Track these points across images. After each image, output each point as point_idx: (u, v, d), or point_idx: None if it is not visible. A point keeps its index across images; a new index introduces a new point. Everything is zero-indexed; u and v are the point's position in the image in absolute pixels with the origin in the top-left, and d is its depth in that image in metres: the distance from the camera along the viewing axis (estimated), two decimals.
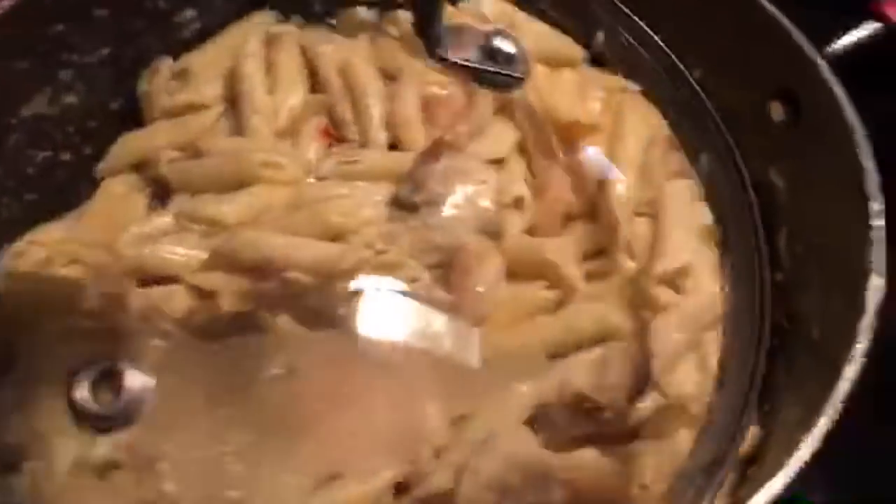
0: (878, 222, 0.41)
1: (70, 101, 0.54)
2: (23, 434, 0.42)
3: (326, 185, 0.51)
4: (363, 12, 0.60)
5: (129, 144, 0.56)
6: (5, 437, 0.42)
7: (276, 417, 0.44)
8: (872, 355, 0.40)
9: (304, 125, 0.55)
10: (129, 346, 0.43)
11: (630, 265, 0.50)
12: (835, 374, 0.41)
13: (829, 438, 0.39)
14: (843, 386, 0.40)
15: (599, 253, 0.52)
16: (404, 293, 0.46)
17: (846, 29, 0.47)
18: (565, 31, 0.59)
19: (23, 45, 0.50)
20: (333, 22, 0.60)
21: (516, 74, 0.52)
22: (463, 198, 0.49)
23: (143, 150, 0.56)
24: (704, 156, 0.51)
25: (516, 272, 0.49)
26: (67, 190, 0.55)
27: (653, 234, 0.51)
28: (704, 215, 0.51)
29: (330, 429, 0.44)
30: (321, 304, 0.46)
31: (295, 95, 0.56)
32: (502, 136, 0.54)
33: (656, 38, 0.53)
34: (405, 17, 0.60)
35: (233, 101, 0.56)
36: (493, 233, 0.49)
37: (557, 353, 0.46)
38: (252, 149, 0.53)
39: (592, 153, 0.54)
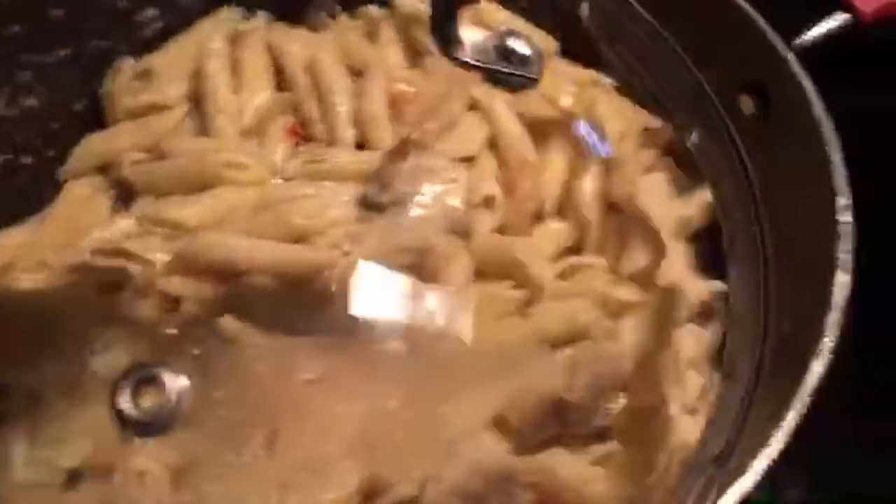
0: (846, 217, 0.40)
1: (30, 103, 0.53)
2: None
3: (291, 186, 0.50)
4: (331, 8, 0.59)
5: (93, 146, 0.55)
6: None
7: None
8: (843, 351, 0.40)
9: (270, 124, 0.54)
10: (166, 351, 0.44)
11: (601, 263, 0.50)
12: (803, 368, 0.40)
13: (805, 436, 0.39)
14: (811, 380, 0.40)
15: (572, 250, 0.52)
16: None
17: (816, 20, 0.46)
18: (538, 24, 0.58)
19: None
20: (300, 18, 0.60)
21: (530, 75, 0.52)
22: (431, 197, 0.48)
23: (107, 152, 0.55)
24: (696, 132, 0.51)
25: (485, 272, 0.48)
26: (29, 193, 0.54)
27: (624, 230, 0.51)
28: (683, 206, 0.51)
29: (294, 435, 0.43)
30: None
31: (261, 94, 0.55)
32: (472, 134, 0.53)
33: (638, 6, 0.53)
34: (374, 12, 0.59)
35: (197, 100, 0.55)
36: (462, 232, 0.49)
37: (526, 354, 0.45)
38: (216, 149, 0.52)
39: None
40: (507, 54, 0.52)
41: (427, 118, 0.53)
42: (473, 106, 0.54)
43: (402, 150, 0.49)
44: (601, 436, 0.44)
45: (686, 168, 0.53)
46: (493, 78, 0.53)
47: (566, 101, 0.56)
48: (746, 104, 0.49)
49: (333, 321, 0.45)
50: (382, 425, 0.43)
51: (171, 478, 0.43)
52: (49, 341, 0.45)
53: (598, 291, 0.47)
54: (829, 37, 0.45)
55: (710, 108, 0.50)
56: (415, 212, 0.48)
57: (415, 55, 0.57)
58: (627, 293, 0.47)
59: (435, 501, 0.39)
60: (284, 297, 0.44)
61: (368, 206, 0.48)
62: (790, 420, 0.39)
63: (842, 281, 0.39)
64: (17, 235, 0.52)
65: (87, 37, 0.53)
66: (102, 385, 0.42)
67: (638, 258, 0.49)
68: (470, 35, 0.52)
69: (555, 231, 0.51)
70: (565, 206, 0.52)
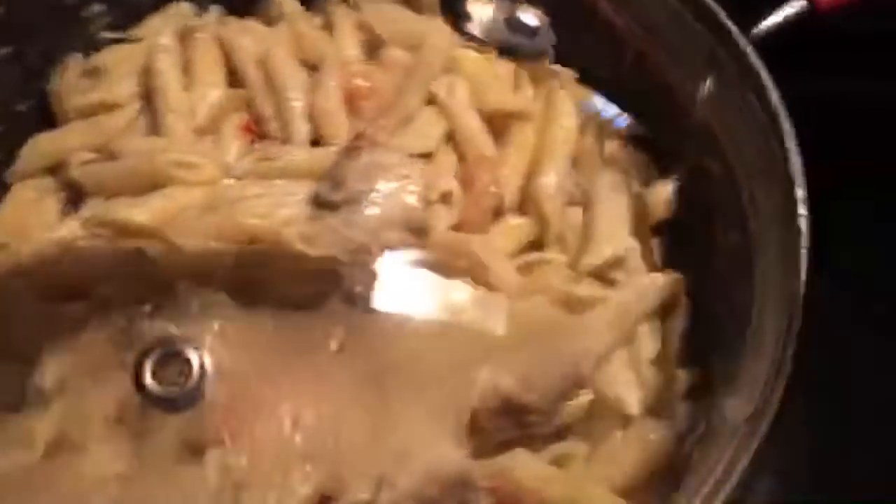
0: (801, 210, 0.39)
1: None
2: None
3: (243, 186, 0.49)
4: (284, 1, 0.58)
5: (41, 147, 0.54)
6: None
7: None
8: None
9: (224, 122, 0.53)
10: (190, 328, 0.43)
11: (562, 259, 0.49)
12: (770, 369, 0.39)
13: (775, 440, 0.38)
14: (779, 383, 0.39)
15: (533, 246, 0.51)
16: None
17: (774, 7, 0.45)
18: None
19: None
20: (254, 11, 0.58)
21: (541, 47, 0.52)
22: (385, 194, 0.47)
23: (56, 153, 0.53)
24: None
25: (443, 270, 0.47)
26: None
27: (586, 225, 0.50)
28: (644, 200, 0.50)
29: (250, 439, 0.42)
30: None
31: (213, 91, 0.54)
32: (430, 129, 0.52)
33: None
34: (329, 6, 0.58)
35: (148, 98, 0.54)
36: (419, 230, 0.48)
37: (483, 356, 0.44)
38: (165, 149, 0.50)
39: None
40: (516, 26, 0.52)
41: (384, 113, 0.52)
42: (431, 100, 0.53)
43: (355, 146, 0.48)
44: (561, 434, 0.43)
45: (649, 159, 0.53)
46: (504, 51, 0.53)
47: (525, 94, 0.55)
48: (708, 94, 0.48)
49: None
50: (337, 430, 0.42)
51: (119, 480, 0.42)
52: None
53: (558, 288, 0.46)
54: (787, 23, 0.44)
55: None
56: (370, 210, 0.46)
57: (373, 48, 0.56)
58: (588, 289, 0.46)
59: None
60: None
61: (321, 204, 0.46)
62: (762, 425, 0.38)
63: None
64: None
65: (30, 34, 0.52)
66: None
67: (599, 253, 0.48)
68: (478, 9, 0.53)
69: (515, 227, 0.50)
70: (526, 202, 0.51)
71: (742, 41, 0.44)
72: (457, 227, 0.49)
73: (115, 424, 0.43)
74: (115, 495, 0.42)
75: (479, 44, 0.55)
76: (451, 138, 0.53)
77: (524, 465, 0.41)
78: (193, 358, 0.42)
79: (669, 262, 0.50)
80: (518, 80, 0.56)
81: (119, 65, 0.55)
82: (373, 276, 0.45)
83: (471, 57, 0.55)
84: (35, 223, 0.51)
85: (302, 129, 0.52)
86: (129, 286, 0.45)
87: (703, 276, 0.48)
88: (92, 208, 0.50)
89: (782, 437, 0.39)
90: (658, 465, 0.43)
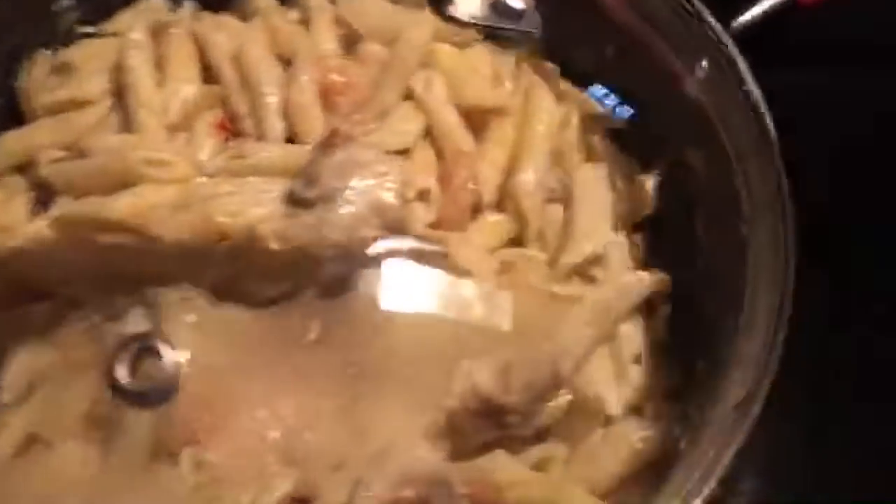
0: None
1: None
2: None
3: (215, 184, 0.47)
4: None
5: (8, 145, 0.52)
6: None
7: None
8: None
9: (198, 119, 0.52)
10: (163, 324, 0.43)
11: (541, 256, 0.48)
12: (762, 353, 0.39)
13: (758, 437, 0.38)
14: (770, 368, 0.38)
15: (513, 242, 0.50)
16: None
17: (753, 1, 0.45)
18: None
19: None
20: (228, 6, 0.57)
21: (526, 29, 0.51)
22: (361, 192, 0.46)
23: (24, 151, 0.52)
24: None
25: (423, 261, 0.46)
26: None
27: (566, 222, 0.49)
28: (625, 195, 0.50)
29: (225, 437, 0.42)
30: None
31: (186, 87, 0.52)
32: (407, 125, 0.52)
33: None
34: (306, 0, 0.57)
35: (120, 95, 0.52)
36: (396, 228, 0.47)
37: (463, 355, 0.43)
38: (136, 146, 0.49)
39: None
40: (500, 9, 0.51)
41: (360, 109, 0.51)
42: (409, 96, 0.53)
43: (330, 142, 0.47)
44: (541, 435, 0.42)
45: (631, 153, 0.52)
46: (489, 34, 0.52)
47: (505, 87, 0.54)
48: (690, 89, 0.48)
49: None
50: (313, 427, 0.41)
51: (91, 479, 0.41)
52: None
53: (537, 287, 0.45)
54: (767, 16, 0.43)
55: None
56: (345, 207, 0.45)
57: (350, 43, 0.55)
58: (568, 287, 0.46)
59: None
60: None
61: (295, 202, 0.45)
62: (747, 421, 0.38)
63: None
64: None
65: None
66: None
67: (579, 251, 0.47)
68: None
69: (494, 224, 0.50)
70: (505, 198, 0.50)
71: (724, 36, 0.43)
72: (435, 225, 0.48)
73: (87, 423, 0.43)
74: (87, 495, 0.41)
75: (463, 27, 0.53)
76: (428, 134, 0.52)
77: (503, 467, 0.40)
78: (167, 353, 0.42)
79: (653, 257, 0.49)
80: (497, 75, 0.55)
81: (89, 61, 0.53)
82: (350, 271, 0.44)
83: (448, 51, 0.54)
84: (4, 223, 0.49)
85: (276, 126, 0.51)
86: (100, 283, 0.45)
87: (688, 271, 0.48)
88: (61, 207, 0.49)
89: (774, 435, 0.39)
90: (640, 464, 0.43)
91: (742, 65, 0.41)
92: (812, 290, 0.39)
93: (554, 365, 0.41)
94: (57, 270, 0.46)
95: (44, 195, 0.50)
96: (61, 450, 0.42)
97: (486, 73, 0.55)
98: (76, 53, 0.54)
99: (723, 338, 0.43)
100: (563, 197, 0.50)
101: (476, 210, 0.50)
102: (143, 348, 0.42)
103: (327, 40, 0.55)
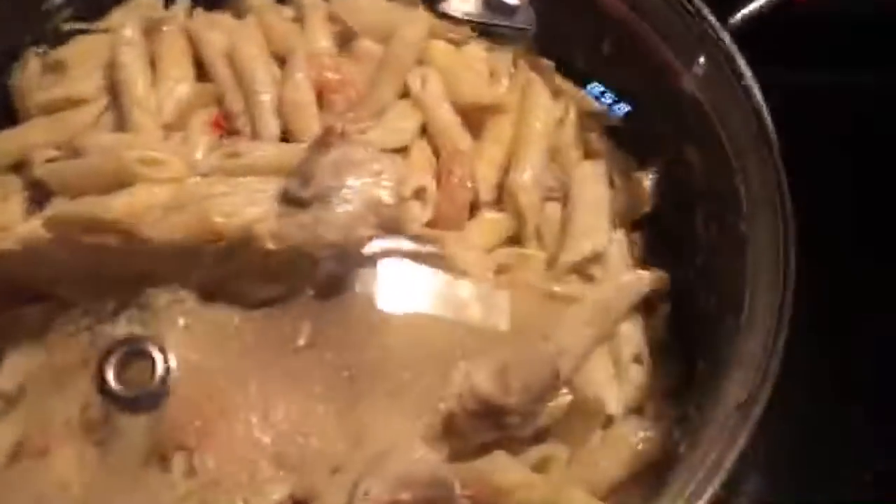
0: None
1: None
2: None
3: (210, 183, 0.47)
4: None
5: (3, 144, 0.52)
6: None
7: None
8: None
9: (192, 118, 0.52)
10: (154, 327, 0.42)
11: (540, 255, 0.48)
12: (763, 354, 0.39)
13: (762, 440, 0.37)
14: (772, 369, 0.38)
15: (511, 240, 0.50)
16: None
17: None
18: None
19: None
20: (223, 3, 0.57)
21: (520, 26, 0.51)
22: (356, 190, 0.45)
23: (18, 150, 0.52)
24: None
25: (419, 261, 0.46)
26: None
27: (565, 220, 0.49)
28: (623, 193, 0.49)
29: (218, 441, 0.41)
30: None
31: (181, 86, 0.52)
32: (403, 123, 0.51)
33: None
34: None
35: (114, 94, 0.52)
36: (392, 227, 0.46)
37: (461, 355, 0.43)
38: (130, 145, 0.49)
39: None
40: (494, 5, 0.51)
41: (355, 107, 0.51)
42: (405, 93, 0.52)
43: (325, 141, 0.46)
44: (540, 436, 0.42)
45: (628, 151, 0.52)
46: (483, 31, 0.52)
47: (501, 85, 0.54)
48: (689, 87, 0.47)
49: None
50: (308, 431, 0.41)
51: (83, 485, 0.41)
52: None
53: (536, 286, 0.45)
54: (763, 13, 0.43)
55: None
56: (340, 206, 0.45)
57: (345, 40, 0.55)
58: (567, 286, 0.45)
59: None
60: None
61: (290, 201, 0.45)
62: (751, 419, 0.37)
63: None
64: None
65: None
66: None
67: (577, 249, 0.47)
68: None
69: (491, 222, 0.49)
70: (502, 196, 0.50)
71: (722, 33, 0.43)
72: (432, 224, 0.48)
73: (78, 428, 0.42)
74: (79, 500, 0.41)
75: (457, 24, 0.53)
76: (425, 132, 0.52)
77: (503, 469, 0.40)
78: (158, 357, 0.41)
79: (652, 255, 0.49)
80: (493, 72, 0.54)
81: (83, 59, 0.53)
82: (345, 270, 0.44)
83: (444, 48, 0.54)
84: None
85: (271, 125, 0.50)
86: (92, 284, 0.44)
87: (687, 269, 0.48)
88: (55, 207, 0.49)
89: (774, 436, 0.39)
90: (641, 465, 0.42)
91: (740, 61, 0.41)
92: (812, 290, 0.39)
93: (553, 365, 0.41)
94: (49, 271, 0.46)
95: (39, 195, 0.50)
96: (52, 455, 0.42)
97: (482, 70, 0.54)
98: (69, 51, 0.53)
99: (723, 337, 0.43)
100: (561, 195, 0.50)
101: (473, 208, 0.49)
102: (134, 352, 0.41)
103: (322, 38, 0.54)
